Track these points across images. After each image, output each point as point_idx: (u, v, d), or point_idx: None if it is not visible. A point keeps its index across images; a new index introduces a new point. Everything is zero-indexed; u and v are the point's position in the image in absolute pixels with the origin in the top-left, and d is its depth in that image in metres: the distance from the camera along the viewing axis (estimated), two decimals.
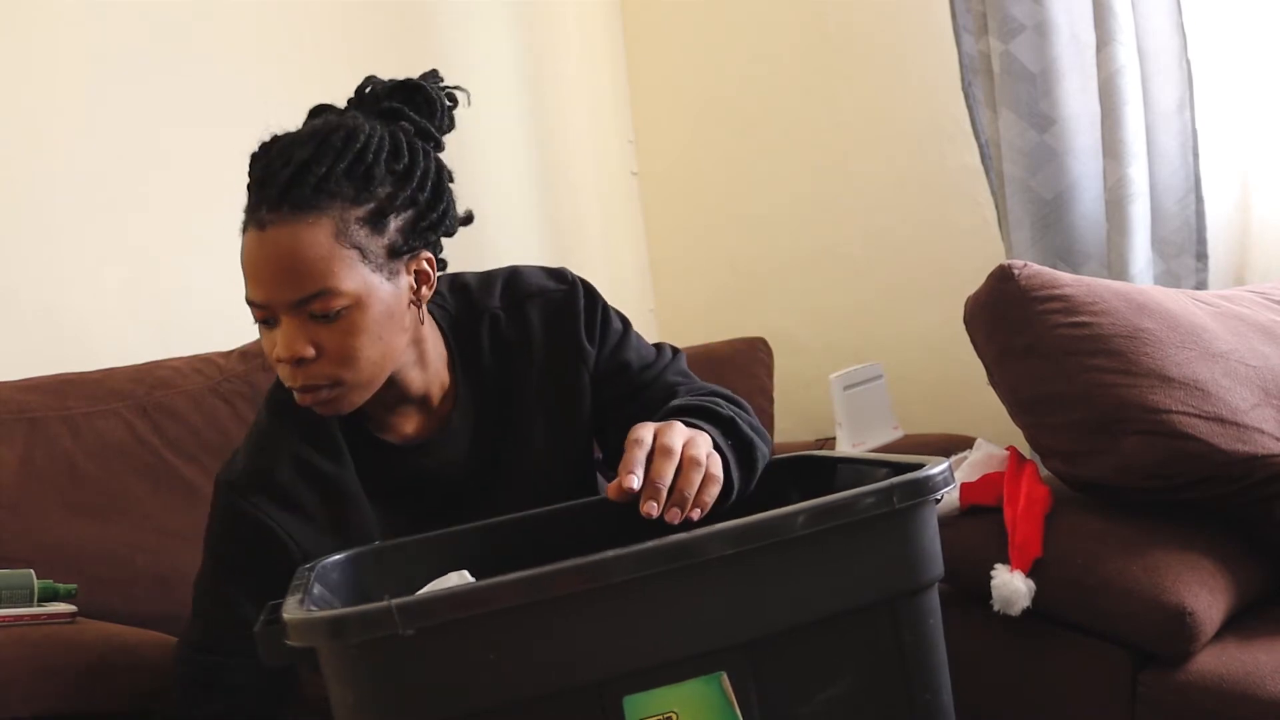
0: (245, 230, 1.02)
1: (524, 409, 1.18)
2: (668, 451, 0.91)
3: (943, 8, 2.11)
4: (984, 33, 1.98)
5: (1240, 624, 1.27)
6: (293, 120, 1.12)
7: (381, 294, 1.04)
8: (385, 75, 1.17)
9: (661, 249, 2.84)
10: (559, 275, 1.23)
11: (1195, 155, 1.88)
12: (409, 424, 1.16)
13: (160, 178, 1.92)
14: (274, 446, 1.13)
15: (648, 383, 1.20)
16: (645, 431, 0.94)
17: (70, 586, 1.31)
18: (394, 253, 1.05)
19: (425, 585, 0.97)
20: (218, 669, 1.09)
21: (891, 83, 2.38)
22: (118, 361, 1.69)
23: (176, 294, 1.91)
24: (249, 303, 1.03)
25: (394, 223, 1.05)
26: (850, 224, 2.49)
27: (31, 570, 1.27)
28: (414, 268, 1.08)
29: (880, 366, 2.16)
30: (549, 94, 2.62)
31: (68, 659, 1.13)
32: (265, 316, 1.03)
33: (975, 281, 1.41)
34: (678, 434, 0.94)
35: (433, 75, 1.16)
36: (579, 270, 1.25)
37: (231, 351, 1.76)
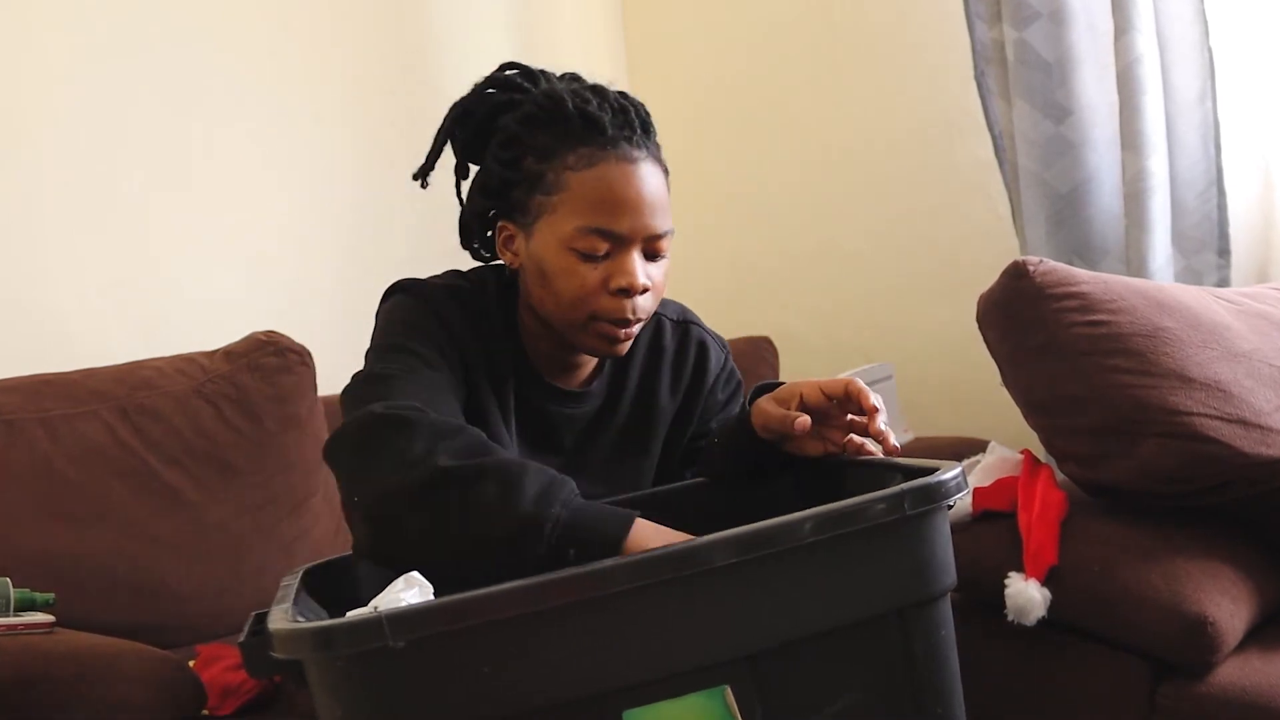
0: (593, 163, 1.05)
1: (637, 407, 1.24)
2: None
3: None
4: (997, 20, 1.98)
5: (1263, 634, 1.25)
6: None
7: None
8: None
9: None
10: (721, 342, 1.34)
11: (1217, 147, 1.88)
12: (561, 368, 1.19)
13: (144, 175, 1.91)
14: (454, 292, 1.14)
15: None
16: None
17: (48, 595, 1.31)
18: None
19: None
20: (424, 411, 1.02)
21: (901, 73, 2.37)
22: (99, 361, 1.68)
23: (160, 293, 1.90)
24: (601, 231, 1.05)
25: None
26: (858, 219, 2.48)
27: (8, 579, 1.27)
28: None
29: (890, 367, 2.15)
30: None
31: (45, 671, 1.10)
32: (610, 250, 1.06)
33: (988, 278, 1.39)
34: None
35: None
36: None
37: (216, 352, 1.75)
